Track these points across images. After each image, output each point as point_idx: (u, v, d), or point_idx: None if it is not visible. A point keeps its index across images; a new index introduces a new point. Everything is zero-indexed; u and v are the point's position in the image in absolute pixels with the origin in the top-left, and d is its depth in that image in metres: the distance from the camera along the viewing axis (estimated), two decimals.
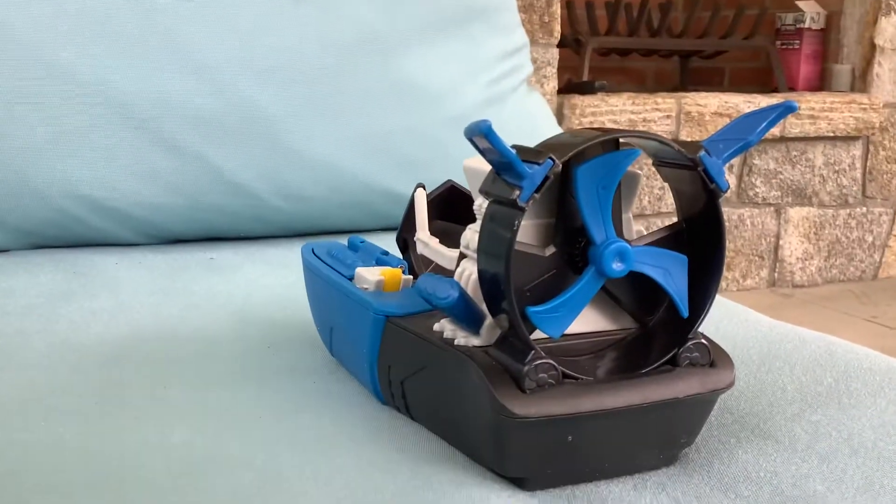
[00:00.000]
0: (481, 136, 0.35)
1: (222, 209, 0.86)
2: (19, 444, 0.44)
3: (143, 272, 0.77)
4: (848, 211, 2.00)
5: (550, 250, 0.41)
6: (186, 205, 0.85)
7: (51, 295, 0.69)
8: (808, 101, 1.88)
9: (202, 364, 0.54)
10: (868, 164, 2.00)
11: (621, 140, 0.41)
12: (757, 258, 1.95)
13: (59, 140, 0.81)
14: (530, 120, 1.03)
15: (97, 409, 0.48)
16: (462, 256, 0.44)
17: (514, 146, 0.37)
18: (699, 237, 0.42)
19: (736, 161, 1.88)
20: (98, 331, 0.61)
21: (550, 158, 0.37)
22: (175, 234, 0.87)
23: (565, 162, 0.38)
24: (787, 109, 0.41)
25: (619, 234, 0.40)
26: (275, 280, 0.74)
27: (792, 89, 2.06)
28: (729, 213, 1.90)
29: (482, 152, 0.37)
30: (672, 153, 0.40)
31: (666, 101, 1.78)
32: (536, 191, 0.37)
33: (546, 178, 0.37)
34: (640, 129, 1.65)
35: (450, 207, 0.56)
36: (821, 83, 2.10)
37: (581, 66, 1.87)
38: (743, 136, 0.41)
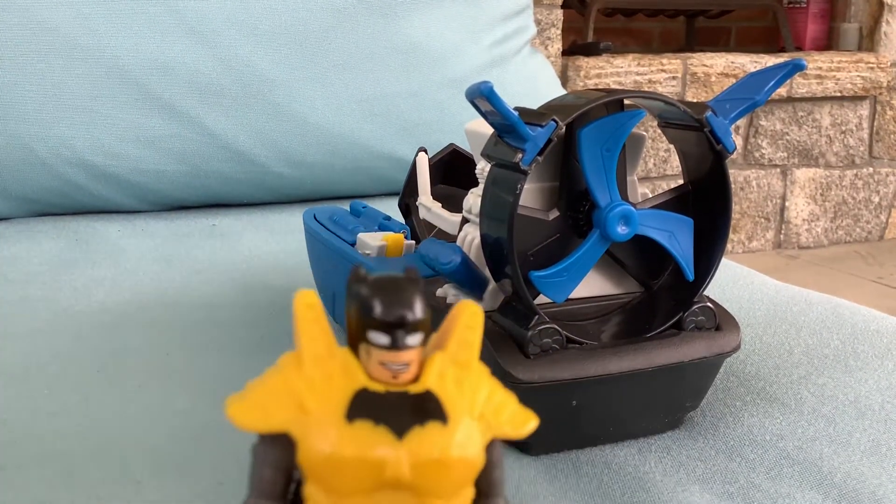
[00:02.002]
0: (483, 98, 0.35)
1: (224, 175, 0.86)
2: (22, 412, 0.44)
3: (145, 239, 0.77)
4: (854, 171, 1.99)
5: (554, 214, 0.40)
6: (188, 171, 0.84)
7: (53, 262, 0.69)
8: (816, 61, 1.86)
9: (204, 331, 0.54)
10: (875, 124, 1.99)
11: (626, 101, 0.40)
12: (763, 220, 1.94)
13: (59, 107, 0.80)
14: (534, 82, 1.01)
15: (99, 377, 0.48)
16: (465, 221, 0.44)
17: (516, 108, 0.37)
18: (705, 199, 0.41)
19: (742, 122, 1.87)
20: (100, 298, 0.61)
21: (553, 120, 0.36)
22: (177, 201, 0.87)
23: (569, 124, 0.37)
24: (795, 68, 0.40)
25: (624, 196, 0.40)
26: (277, 246, 0.74)
27: (799, 48, 2.04)
28: (735, 174, 1.89)
29: (484, 115, 0.37)
30: (678, 114, 0.40)
31: (672, 62, 1.76)
32: (539, 153, 0.36)
33: (549, 140, 0.36)
34: (646, 90, 1.64)
35: (452, 171, 0.56)
36: (828, 42, 2.08)
37: (585, 27, 1.85)
38: (750, 95, 0.40)
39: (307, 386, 0.25)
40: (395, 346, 0.25)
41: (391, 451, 0.24)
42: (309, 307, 0.26)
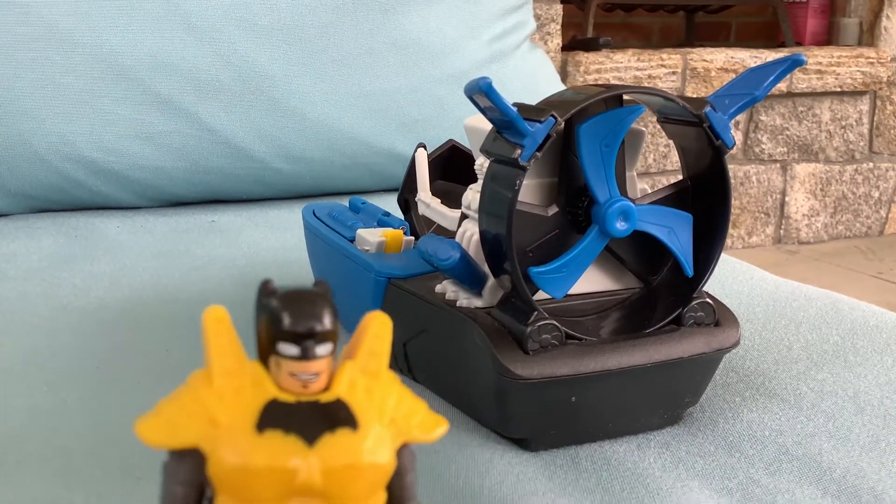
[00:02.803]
0: (481, 93, 0.35)
1: (223, 171, 0.85)
2: (21, 409, 0.44)
3: (145, 235, 0.77)
4: (854, 167, 1.99)
5: (553, 210, 0.40)
6: (187, 167, 0.84)
7: (52, 259, 0.69)
8: (816, 56, 1.86)
9: None
10: (875, 119, 1.98)
11: (625, 96, 0.40)
12: (763, 215, 1.94)
13: (58, 103, 0.80)
14: (533, 78, 1.01)
15: (98, 373, 0.48)
16: (464, 217, 0.44)
17: (515, 104, 0.37)
18: (704, 195, 0.41)
19: (742, 117, 1.87)
20: (99, 295, 0.61)
21: (552, 116, 0.36)
22: (176, 197, 0.87)
23: (568, 119, 0.37)
24: (795, 63, 0.40)
25: (623, 192, 0.40)
26: (276, 242, 0.74)
27: (799, 44, 2.04)
28: (735, 169, 1.89)
29: (483, 111, 0.37)
30: (677, 109, 0.39)
31: (671, 57, 1.76)
32: (538, 149, 0.36)
33: (548, 136, 0.36)
34: (645, 85, 1.64)
35: (451, 167, 0.56)
36: (828, 37, 2.07)
37: (585, 23, 1.84)
38: (749, 90, 0.40)
39: (217, 399, 0.26)
40: (305, 356, 0.25)
41: (302, 459, 0.25)
42: (217, 322, 0.27)
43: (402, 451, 0.27)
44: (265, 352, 0.26)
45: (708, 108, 0.39)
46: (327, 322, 0.26)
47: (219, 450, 0.25)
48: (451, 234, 0.45)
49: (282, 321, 0.25)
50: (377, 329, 0.27)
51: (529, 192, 0.40)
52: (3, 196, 0.81)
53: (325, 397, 0.26)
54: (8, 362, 0.49)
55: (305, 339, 0.25)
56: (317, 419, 0.25)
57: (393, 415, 0.27)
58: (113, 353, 0.51)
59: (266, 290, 0.27)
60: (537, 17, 1.61)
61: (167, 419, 0.26)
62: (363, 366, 0.27)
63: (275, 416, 0.25)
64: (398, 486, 0.27)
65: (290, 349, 0.25)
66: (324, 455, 0.25)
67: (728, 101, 0.40)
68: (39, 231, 0.77)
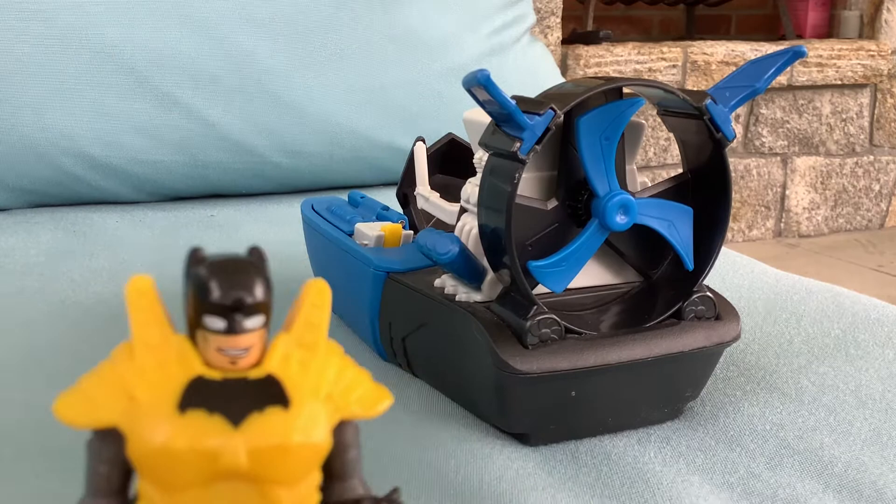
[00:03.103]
0: (480, 86, 0.35)
1: (222, 165, 0.85)
2: (19, 404, 0.43)
3: (144, 230, 0.76)
4: (855, 160, 1.98)
5: (552, 203, 0.40)
6: (186, 162, 0.84)
7: (51, 254, 0.69)
8: (816, 49, 1.86)
9: None
10: (876, 112, 1.98)
11: (625, 89, 0.40)
12: (763, 208, 1.94)
13: (56, 97, 0.80)
14: (533, 71, 1.01)
15: None
16: (463, 210, 0.43)
17: (514, 97, 0.36)
18: (705, 188, 0.41)
19: (742, 110, 1.86)
20: (98, 290, 0.61)
21: (552, 109, 0.36)
22: (175, 192, 0.86)
23: (567, 112, 0.37)
24: (796, 55, 0.40)
25: (623, 186, 0.40)
26: (275, 237, 0.73)
27: (799, 36, 2.03)
28: (735, 163, 1.88)
29: (481, 104, 0.36)
30: (677, 101, 0.39)
31: (672, 50, 1.75)
32: (537, 142, 0.36)
33: (547, 129, 0.36)
34: (645, 78, 1.63)
35: (450, 161, 0.55)
36: (829, 30, 2.07)
37: (585, 16, 1.84)
38: (750, 83, 0.40)
39: (138, 376, 0.24)
40: (233, 330, 0.24)
41: (225, 441, 0.23)
42: (141, 292, 0.25)
43: (344, 427, 0.26)
44: (193, 325, 0.25)
45: (708, 101, 0.39)
46: (258, 293, 0.24)
47: (137, 430, 0.24)
48: (450, 228, 0.45)
49: (208, 292, 0.23)
50: (315, 298, 0.26)
51: (529, 185, 0.40)
52: (1, 190, 0.81)
53: (255, 374, 0.24)
54: (6, 357, 0.49)
55: (233, 312, 0.23)
56: (244, 397, 0.24)
57: (330, 390, 0.25)
58: (111, 347, 0.50)
59: (194, 258, 0.24)
60: (537, 11, 1.60)
61: (86, 396, 0.24)
62: (299, 338, 0.25)
63: (198, 395, 0.24)
64: (338, 463, 0.26)
65: (216, 323, 0.24)
66: (250, 436, 0.24)
67: (728, 93, 0.40)
68: (38, 226, 0.77)
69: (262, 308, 0.24)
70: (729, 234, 1.92)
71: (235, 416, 0.24)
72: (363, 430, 0.40)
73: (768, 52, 0.40)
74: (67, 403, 0.25)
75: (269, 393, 0.24)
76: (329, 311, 0.26)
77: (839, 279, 1.62)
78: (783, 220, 1.96)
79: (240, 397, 0.24)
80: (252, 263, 0.24)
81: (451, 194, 0.49)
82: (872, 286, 1.64)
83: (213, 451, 0.23)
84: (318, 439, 0.25)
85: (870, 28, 2.01)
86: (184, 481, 0.24)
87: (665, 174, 1.81)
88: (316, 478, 0.26)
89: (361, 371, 0.26)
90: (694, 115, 0.39)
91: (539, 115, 0.36)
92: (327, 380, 0.25)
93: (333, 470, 0.26)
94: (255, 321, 0.24)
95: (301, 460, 0.24)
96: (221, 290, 0.23)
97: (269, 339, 0.25)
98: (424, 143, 0.53)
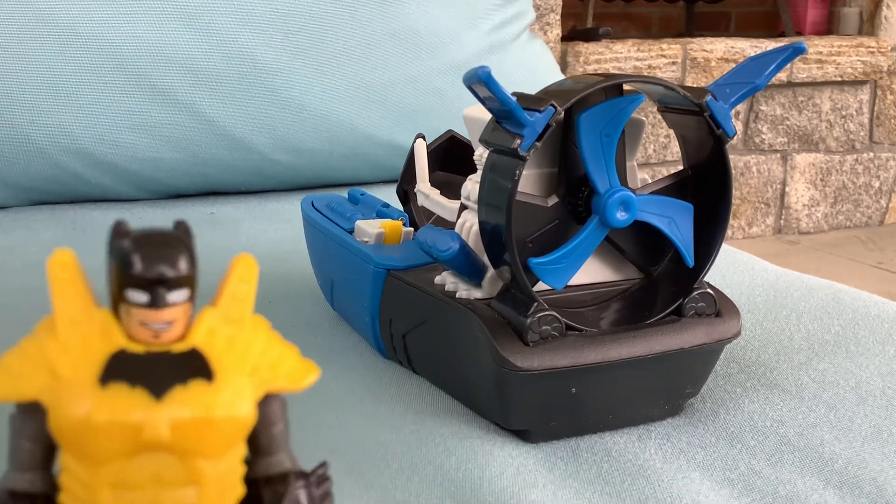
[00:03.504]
0: (480, 83, 0.35)
1: (222, 163, 0.85)
2: None
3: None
4: (855, 156, 1.98)
5: (553, 200, 0.40)
6: (185, 159, 0.84)
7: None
8: (816, 45, 1.85)
9: None
10: (875, 108, 1.98)
11: (625, 86, 0.40)
12: (763, 205, 1.94)
13: (56, 95, 0.80)
14: (533, 68, 1.01)
15: None
16: (463, 208, 0.43)
17: (514, 93, 0.36)
18: (705, 185, 0.41)
19: (742, 107, 1.86)
20: (98, 287, 0.60)
21: (552, 105, 0.36)
22: (175, 189, 0.86)
23: (567, 109, 0.37)
24: (796, 51, 0.40)
25: (623, 182, 0.40)
26: (275, 234, 0.73)
27: (799, 33, 2.03)
28: (735, 160, 1.88)
29: (482, 100, 0.36)
30: (677, 98, 0.39)
31: (671, 47, 1.75)
32: (538, 139, 0.36)
33: (548, 125, 0.36)
34: (645, 74, 1.63)
35: (450, 158, 0.55)
36: (828, 26, 2.07)
37: (585, 13, 1.84)
38: (750, 79, 0.40)
39: (60, 350, 0.24)
40: (155, 304, 0.23)
41: (147, 414, 0.23)
42: (63, 266, 0.25)
43: (270, 401, 0.26)
44: (116, 299, 0.24)
45: (708, 97, 0.39)
46: (182, 266, 0.24)
47: (59, 404, 0.24)
48: (450, 225, 0.45)
49: (131, 265, 0.23)
50: (242, 272, 0.26)
51: (529, 182, 0.40)
52: (1, 188, 0.81)
53: (179, 347, 0.24)
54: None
55: (156, 286, 0.23)
56: (167, 371, 0.24)
57: (256, 363, 0.25)
58: None
59: (118, 231, 0.24)
60: (536, 8, 1.60)
61: (8, 370, 0.24)
62: (225, 313, 0.25)
63: (120, 368, 0.24)
64: (265, 438, 0.26)
65: (139, 296, 0.23)
66: (172, 409, 0.24)
67: (729, 90, 0.40)
68: (38, 223, 0.76)
69: (186, 281, 0.24)
70: (729, 231, 1.92)
71: (158, 389, 0.24)
72: (363, 428, 0.40)
73: (768, 49, 0.40)
74: None
75: (193, 366, 0.24)
76: (255, 286, 0.26)
77: (839, 276, 1.62)
78: (783, 216, 1.96)
79: (163, 370, 0.24)
80: (177, 237, 0.24)
81: (452, 191, 0.49)
82: (872, 283, 1.64)
83: (134, 424, 0.23)
84: (242, 413, 0.25)
85: (869, 24, 2.00)
86: (106, 454, 0.24)
87: (665, 171, 1.81)
88: (241, 451, 0.26)
89: (289, 346, 0.27)
90: (694, 111, 0.39)
91: (539, 111, 0.36)
92: (253, 353, 0.25)
93: (260, 444, 0.26)
94: (178, 295, 0.24)
95: (224, 433, 0.24)
96: (144, 264, 0.23)
97: (193, 313, 0.25)
98: (424, 139, 0.53)
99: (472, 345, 0.39)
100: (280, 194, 0.88)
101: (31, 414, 0.25)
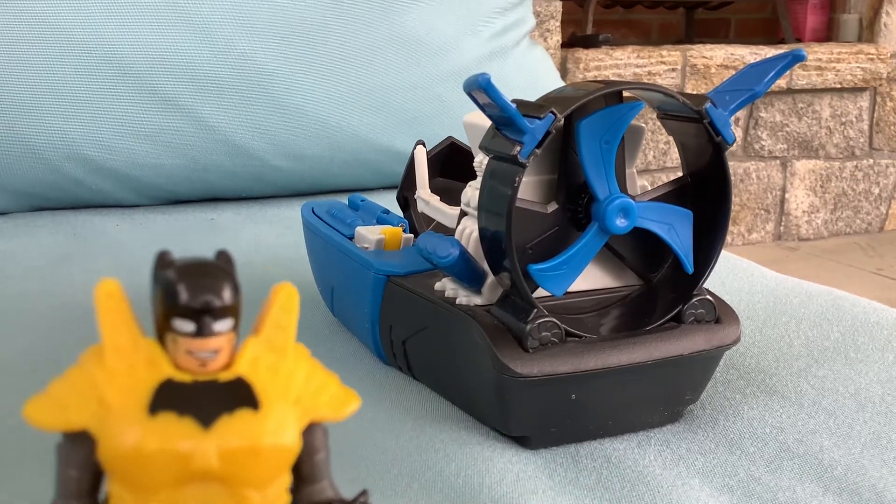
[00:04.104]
0: (480, 90, 0.35)
1: (222, 169, 0.85)
2: (19, 408, 0.43)
3: (144, 233, 0.76)
4: (854, 163, 1.98)
5: (552, 207, 0.40)
6: (186, 165, 0.84)
7: (51, 257, 0.69)
8: (815, 52, 1.86)
9: None
10: (875, 115, 1.98)
11: (624, 93, 0.40)
12: (763, 212, 1.94)
13: (57, 101, 0.80)
14: (533, 75, 1.01)
15: None
16: (463, 214, 0.44)
17: (514, 100, 0.37)
18: (705, 191, 0.41)
19: (742, 114, 1.86)
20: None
21: (552, 112, 0.36)
22: (175, 195, 0.86)
23: (567, 116, 0.37)
24: (795, 58, 0.40)
25: (623, 189, 0.40)
26: (276, 240, 0.74)
27: (799, 40, 2.04)
28: (735, 166, 1.89)
29: (482, 107, 0.37)
30: (677, 105, 0.39)
31: (671, 54, 1.76)
32: (538, 146, 0.36)
33: (547, 132, 0.36)
34: (645, 81, 1.63)
35: (450, 164, 0.56)
36: (828, 33, 2.07)
37: (585, 19, 1.84)
38: (749, 86, 0.40)
39: (108, 380, 0.24)
40: (202, 333, 0.24)
41: (196, 443, 0.24)
42: (109, 296, 0.25)
43: (312, 430, 0.26)
44: (162, 329, 0.25)
45: (708, 104, 0.39)
46: (226, 296, 0.24)
47: (108, 433, 0.24)
48: (450, 232, 0.45)
49: (177, 295, 0.24)
50: (284, 301, 0.26)
51: (529, 189, 0.40)
52: (1, 194, 0.81)
53: (225, 376, 0.25)
54: (7, 360, 0.49)
55: (202, 315, 0.24)
56: (214, 399, 0.24)
57: (300, 392, 0.25)
58: None
59: (162, 261, 0.25)
60: (537, 14, 1.61)
61: (56, 400, 0.25)
62: (269, 341, 0.26)
63: (169, 397, 0.24)
64: (308, 466, 0.26)
65: (185, 325, 0.24)
66: (221, 438, 0.24)
67: (728, 97, 0.40)
68: (38, 229, 0.77)
69: (231, 311, 0.24)
70: (729, 238, 1.92)
71: (206, 418, 0.24)
72: (364, 434, 0.40)
73: (768, 56, 0.41)
74: (37, 407, 0.25)
75: (239, 395, 0.24)
76: (296, 314, 0.26)
77: (839, 283, 1.62)
78: (783, 223, 1.97)
79: (210, 399, 0.24)
80: (220, 267, 0.25)
81: (452, 198, 0.49)
82: (872, 289, 1.64)
83: (184, 454, 0.24)
84: (288, 441, 0.25)
85: (869, 31, 2.01)
86: (155, 483, 0.24)
87: (665, 177, 1.81)
88: (286, 480, 0.26)
89: (329, 374, 0.27)
90: (694, 118, 0.39)
91: (539, 118, 0.36)
92: (296, 382, 0.26)
93: (303, 472, 0.26)
94: (224, 324, 0.24)
95: (271, 462, 0.25)
96: (190, 294, 0.24)
97: (238, 342, 0.25)
98: (425, 146, 0.53)
99: (472, 351, 0.40)
100: (280, 200, 0.88)
101: (79, 443, 0.25)
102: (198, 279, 0.24)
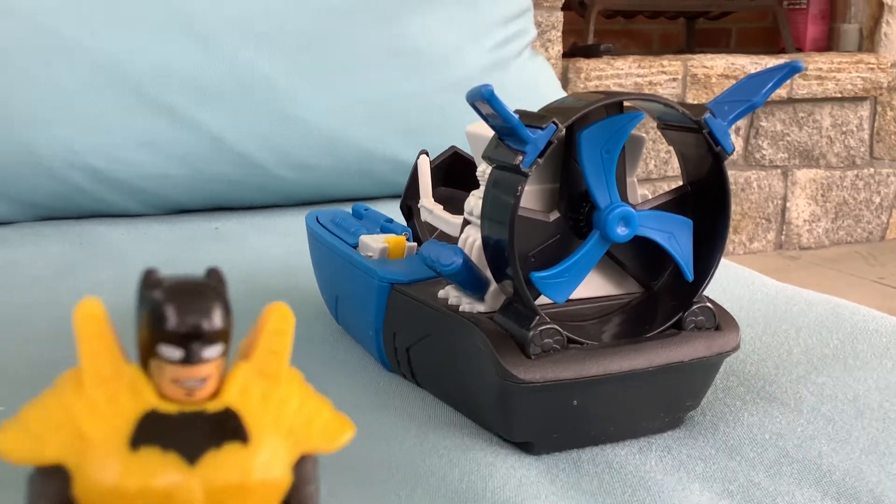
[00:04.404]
0: (483, 100, 0.35)
1: (226, 179, 0.86)
2: None
3: (149, 243, 0.77)
4: (855, 172, 1.99)
5: (554, 215, 0.40)
6: (190, 175, 0.85)
7: (56, 266, 0.70)
8: (816, 62, 1.87)
9: None
10: (876, 124, 1.99)
11: (625, 103, 0.40)
12: (764, 221, 1.94)
13: (62, 111, 0.80)
14: (534, 85, 1.02)
15: None
16: (466, 223, 0.44)
17: (516, 111, 0.37)
18: (704, 201, 0.42)
19: (743, 123, 1.87)
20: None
21: (553, 123, 0.37)
22: (180, 205, 0.87)
23: (569, 126, 0.38)
24: (793, 70, 0.40)
25: (624, 198, 0.40)
26: (280, 249, 0.74)
27: (799, 50, 2.04)
28: (736, 175, 1.89)
29: (485, 117, 0.37)
30: (677, 115, 0.40)
31: (672, 64, 1.76)
32: (540, 156, 0.37)
33: (549, 142, 0.37)
34: (646, 92, 1.64)
35: (453, 174, 0.56)
36: (828, 43, 2.08)
37: (586, 30, 1.85)
38: (748, 97, 0.40)
39: (87, 410, 0.22)
40: (190, 360, 0.22)
41: (180, 480, 0.22)
42: (90, 319, 0.23)
43: (304, 461, 0.24)
44: (146, 354, 0.23)
45: (707, 115, 0.39)
46: (216, 320, 0.22)
47: (86, 468, 0.22)
48: (453, 240, 0.45)
49: (164, 319, 0.22)
50: (277, 324, 0.24)
51: (531, 197, 0.41)
52: (7, 204, 0.82)
53: (213, 406, 0.23)
54: (12, 369, 0.50)
55: (190, 341, 0.22)
56: (201, 433, 0.22)
57: (292, 423, 0.24)
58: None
59: (148, 281, 0.23)
60: (538, 25, 1.61)
61: (29, 430, 0.23)
62: (260, 367, 0.24)
63: (152, 430, 0.22)
64: (298, 498, 0.24)
65: (172, 352, 0.22)
66: (207, 474, 0.22)
67: (727, 107, 0.40)
68: (44, 239, 0.77)
69: (222, 336, 0.22)
70: (730, 247, 1.93)
71: (191, 454, 0.22)
72: (368, 440, 0.41)
73: (768, 66, 0.41)
74: (9, 437, 0.23)
75: (227, 427, 0.23)
76: (291, 337, 0.24)
77: (840, 291, 1.62)
78: (784, 232, 1.97)
79: (196, 432, 0.22)
80: (211, 286, 0.23)
81: (455, 207, 0.50)
82: (873, 298, 1.65)
83: (167, 492, 0.22)
84: (279, 476, 0.23)
85: (869, 41, 2.02)
86: None
87: (665, 186, 1.82)
88: None
89: (322, 400, 0.25)
90: (693, 128, 0.40)
91: (541, 128, 0.36)
92: (288, 412, 0.24)
93: None
94: (213, 350, 0.22)
95: (260, 498, 0.23)
96: (178, 317, 0.22)
97: (227, 367, 0.24)
98: (428, 156, 0.54)
99: (475, 358, 0.40)
100: (284, 210, 0.89)
101: (53, 477, 0.23)
102: (186, 301, 0.22)
